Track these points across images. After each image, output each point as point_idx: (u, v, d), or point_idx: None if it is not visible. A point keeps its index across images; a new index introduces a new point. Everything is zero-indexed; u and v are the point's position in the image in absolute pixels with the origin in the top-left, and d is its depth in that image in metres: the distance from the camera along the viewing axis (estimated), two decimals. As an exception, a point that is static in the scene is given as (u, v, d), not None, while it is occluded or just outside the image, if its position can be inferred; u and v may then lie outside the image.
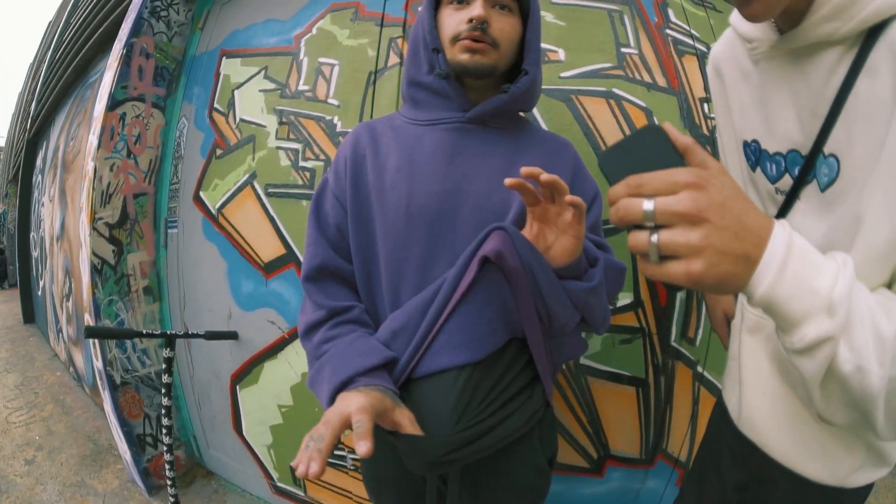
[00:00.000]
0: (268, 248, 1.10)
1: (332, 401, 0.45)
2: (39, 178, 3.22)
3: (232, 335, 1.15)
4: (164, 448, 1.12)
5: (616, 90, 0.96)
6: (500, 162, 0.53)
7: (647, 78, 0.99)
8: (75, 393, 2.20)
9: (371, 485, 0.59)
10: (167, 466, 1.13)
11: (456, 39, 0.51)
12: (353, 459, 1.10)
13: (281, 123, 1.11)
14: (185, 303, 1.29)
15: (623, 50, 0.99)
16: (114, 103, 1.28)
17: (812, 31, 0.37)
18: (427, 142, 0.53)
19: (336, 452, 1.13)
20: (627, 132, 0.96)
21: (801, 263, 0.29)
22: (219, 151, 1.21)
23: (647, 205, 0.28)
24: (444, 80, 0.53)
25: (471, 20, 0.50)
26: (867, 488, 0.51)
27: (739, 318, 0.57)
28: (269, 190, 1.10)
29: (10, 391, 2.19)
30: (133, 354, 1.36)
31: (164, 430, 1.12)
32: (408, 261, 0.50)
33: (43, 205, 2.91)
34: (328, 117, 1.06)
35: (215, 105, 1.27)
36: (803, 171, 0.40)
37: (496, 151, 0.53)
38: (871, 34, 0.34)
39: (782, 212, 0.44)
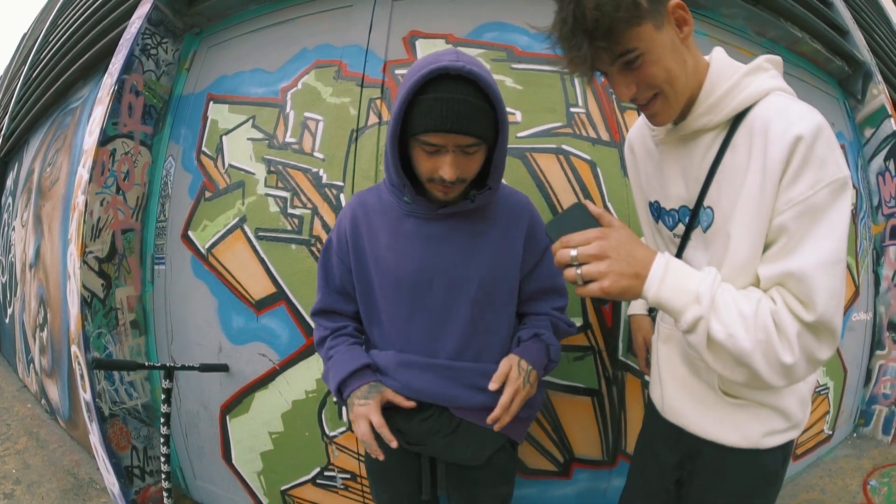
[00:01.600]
0: (258, 287, 1.19)
1: (339, 393, 0.70)
2: (10, 200, 3.12)
3: (223, 367, 1.21)
4: (163, 476, 1.16)
5: (565, 146, 1.13)
6: (464, 243, 0.68)
7: (592, 134, 1.16)
8: (49, 426, 2.14)
9: (374, 472, 0.76)
10: (165, 495, 1.16)
11: (431, 181, 0.60)
12: (342, 479, 1.18)
13: (269, 172, 1.21)
14: (173, 336, 1.34)
15: (572, 109, 1.16)
16: (105, 139, 1.33)
17: (693, 123, 0.55)
18: (408, 227, 0.67)
19: (326, 474, 1.20)
20: (574, 183, 1.12)
21: (676, 275, 0.49)
22: (208, 193, 1.29)
23: (573, 252, 0.48)
24: (410, 204, 0.65)
25: (445, 181, 0.58)
26: (784, 448, 0.63)
27: (656, 333, 0.74)
28: (260, 233, 1.19)
29: None
30: (121, 387, 1.38)
31: (162, 458, 1.16)
32: (398, 313, 0.69)
33: (14, 229, 2.83)
34: (314, 169, 1.17)
35: (203, 148, 1.35)
36: (691, 219, 0.58)
37: (460, 235, 0.67)
38: (736, 121, 0.52)
39: (680, 249, 0.61)
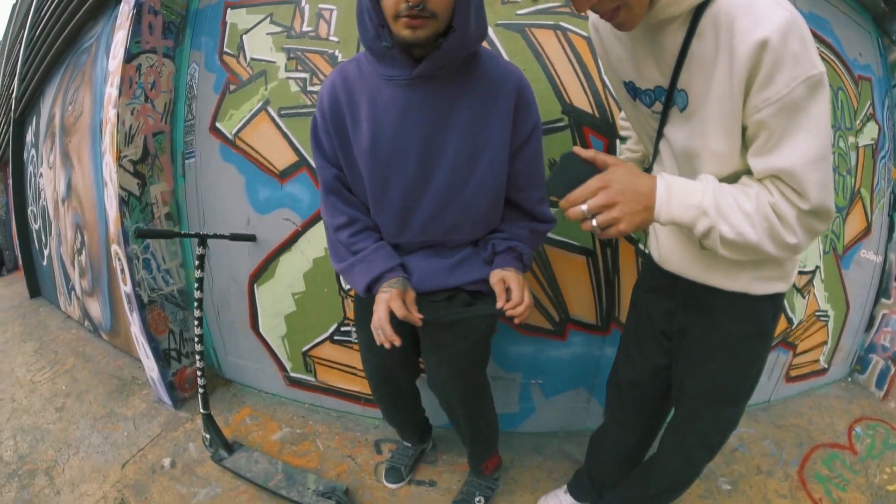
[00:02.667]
0: (282, 159, 1.30)
1: (367, 289, 0.74)
2: (33, 152, 3.27)
3: (251, 237, 1.35)
4: (197, 356, 1.28)
5: (563, 23, 1.18)
6: (441, 111, 0.66)
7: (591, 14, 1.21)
8: (93, 343, 2.34)
9: (358, 314, 0.87)
10: (199, 373, 1.28)
11: (397, 17, 0.58)
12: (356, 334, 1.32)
13: (289, 59, 1.30)
14: (205, 221, 1.48)
15: None
16: (129, 56, 1.42)
17: (659, 14, 0.53)
18: (386, 95, 0.66)
19: (342, 329, 1.36)
20: (572, 58, 1.18)
21: (679, 195, 0.53)
22: (232, 87, 1.40)
23: (584, 207, 0.51)
24: (390, 49, 0.62)
25: (408, 1, 0.56)
26: (773, 301, 0.67)
27: None
28: (282, 112, 1.30)
29: (30, 357, 2.29)
30: (158, 275, 1.54)
31: (196, 339, 1.27)
32: (376, 181, 0.71)
33: (41, 175, 2.99)
34: (330, 51, 1.26)
35: (225, 49, 1.44)
36: (667, 100, 0.59)
37: (438, 103, 0.66)
38: (698, 11, 0.51)
39: (661, 124, 0.62)
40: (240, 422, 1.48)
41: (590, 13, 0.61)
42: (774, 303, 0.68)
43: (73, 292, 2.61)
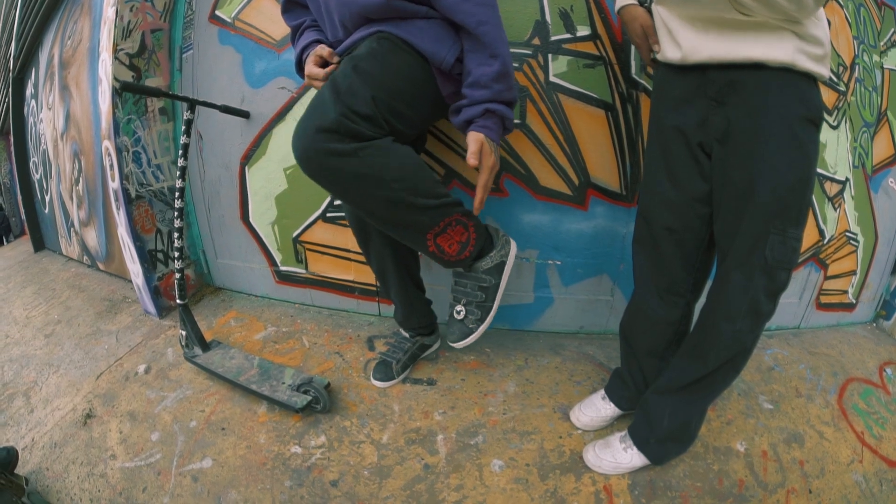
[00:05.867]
0: (281, 28, 1.27)
1: (300, 67, 0.89)
2: (33, 102, 3.25)
3: (244, 113, 1.32)
4: (176, 254, 1.18)
5: None
6: None
7: None
8: (90, 276, 2.33)
9: None
10: (177, 275, 1.17)
11: None
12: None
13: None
14: (200, 110, 1.44)
15: None
16: None
17: None
18: None
19: (335, 203, 1.29)
20: None
21: None
22: (232, -26, 1.36)
23: None
24: None
25: None
26: (816, 85, 0.61)
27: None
28: (281, -15, 1.26)
29: (28, 299, 2.26)
30: (148, 170, 1.51)
31: (176, 234, 1.19)
32: None
33: (41, 121, 2.97)
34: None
35: (224, -58, 1.40)
36: None
37: None
38: None
39: None
40: (223, 324, 1.40)
41: None
42: (818, 92, 0.62)
43: (72, 230, 2.60)
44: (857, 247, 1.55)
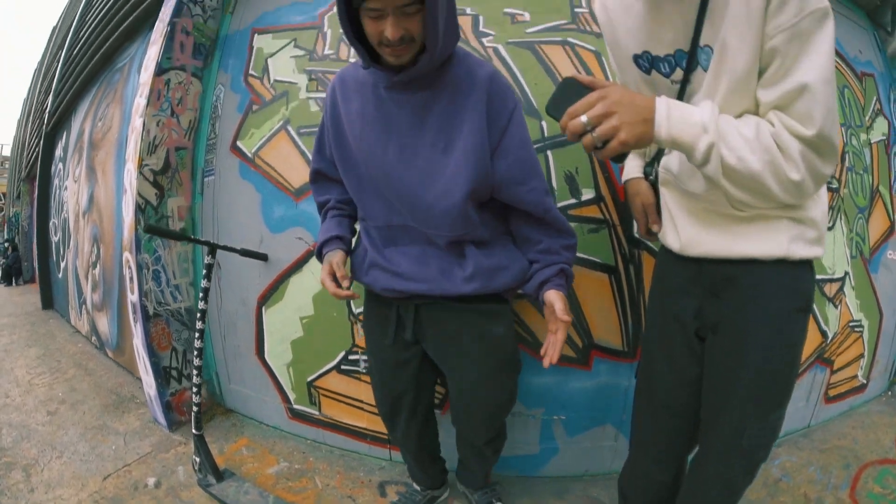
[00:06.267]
0: (299, 176, 1.29)
1: (319, 256, 0.84)
2: (60, 166, 3.40)
3: (263, 256, 1.32)
4: (195, 371, 1.20)
5: (570, 39, 1.18)
6: (417, 107, 0.72)
7: (596, 29, 1.18)
8: (98, 358, 2.32)
9: (364, 325, 0.88)
10: (194, 391, 1.19)
11: (380, 45, 0.64)
12: (364, 361, 1.27)
13: (311, 80, 1.32)
14: (219, 238, 1.46)
15: (576, 10, 1.20)
16: (160, 70, 1.48)
17: None
18: (371, 94, 0.73)
19: (350, 358, 1.29)
20: (581, 69, 1.18)
21: (679, 111, 0.53)
22: (255, 107, 1.42)
23: (583, 118, 0.51)
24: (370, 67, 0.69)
25: (390, 39, 0.61)
26: (811, 269, 0.64)
27: (660, 181, 0.75)
28: (301, 130, 1.31)
29: (32, 360, 2.28)
30: (167, 289, 1.52)
31: (195, 353, 1.20)
32: (364, 166, 0.77)
33: (66, 188, 3.09)
34: (350, 71, 1.28)
35: (251, 72, 1.48)
36: (689, 60, 0.59)
37: (414, 101, 0.71)
38: None
39: (681, 93, 0.61)
40: (235, 451, 1.40)
41: None
42: (813, 272, 0.65)
43: (83, 306, 2.62)
44: (861, 332, 1.56)
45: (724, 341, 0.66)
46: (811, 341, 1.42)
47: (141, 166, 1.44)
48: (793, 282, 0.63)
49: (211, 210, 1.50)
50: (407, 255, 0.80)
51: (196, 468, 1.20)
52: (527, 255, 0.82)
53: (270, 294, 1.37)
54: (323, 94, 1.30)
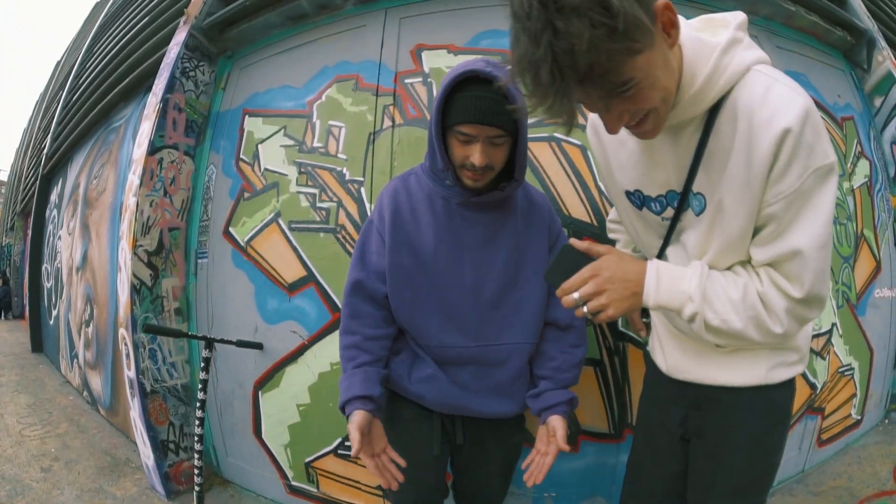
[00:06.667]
0: (291, 272, 1.34)
1: (342, 409, 0.75)
2: (55, 212, 3.41)
3: (258, 345, 1.36)
4: (196, 455, 1.26)
5: (556, 134, 1.23)
6: (492, 226, 0.77)
7: (581, 121, 1.24)
8: (90, 415, 2.30)
9: (391, 437, 0.81)
10: (196, 472, 1.24)
11: (462, 167, 0.69)
12: None
13: (300, 173, 1.38)
14: (213, 322, 1.50)
15: None
16: (153, 149, 1.52)
17: (679, 115, 0.53)
18: (443, 208, 0.75)
19: (346, 444, 1.32)
20: (566, 167, 1.23)
21: (668, 281, 0.55)
22: (246, 194, 1.47)
23: (575, 295, 0.54)
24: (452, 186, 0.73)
25: (475, 166, 0.66)
26: (790, 384, 0.66)
27: None
28: (292, 225, 1.36)
29: (22, 409, 2.25)
30: (163, 367, 1.54)
31: (196, 438, 1.25)
32: (434, 282, 0.76)
33: (59, 238, 3.10)
34: (339, 168, 1.34)
35: (241, 156, 1.54)
36: (680, 204, 0.59)
37: (488, 220, 0.76)
38: (714, 109, 0.52)
39: (670, 230, 0.63)
40: None
41: (591, 116, 0.65)
42: (792, 385, 0.67)
43: (75, 360, 2.62)
44: (852, 374, 1.56)
45: (708, 445, 0.70)
46: (800, 396, 1.40)
47: (135, 247, 1.48)
48: (771, 402, 0.66)
49: (205, 292, 1.54)
50: (460, 372, 0.79)
51: (199, 545, 1.20)
52: (538, 371, 0.83)
53: (267, 381, 1.41)
54: (312, 189, 1.36)
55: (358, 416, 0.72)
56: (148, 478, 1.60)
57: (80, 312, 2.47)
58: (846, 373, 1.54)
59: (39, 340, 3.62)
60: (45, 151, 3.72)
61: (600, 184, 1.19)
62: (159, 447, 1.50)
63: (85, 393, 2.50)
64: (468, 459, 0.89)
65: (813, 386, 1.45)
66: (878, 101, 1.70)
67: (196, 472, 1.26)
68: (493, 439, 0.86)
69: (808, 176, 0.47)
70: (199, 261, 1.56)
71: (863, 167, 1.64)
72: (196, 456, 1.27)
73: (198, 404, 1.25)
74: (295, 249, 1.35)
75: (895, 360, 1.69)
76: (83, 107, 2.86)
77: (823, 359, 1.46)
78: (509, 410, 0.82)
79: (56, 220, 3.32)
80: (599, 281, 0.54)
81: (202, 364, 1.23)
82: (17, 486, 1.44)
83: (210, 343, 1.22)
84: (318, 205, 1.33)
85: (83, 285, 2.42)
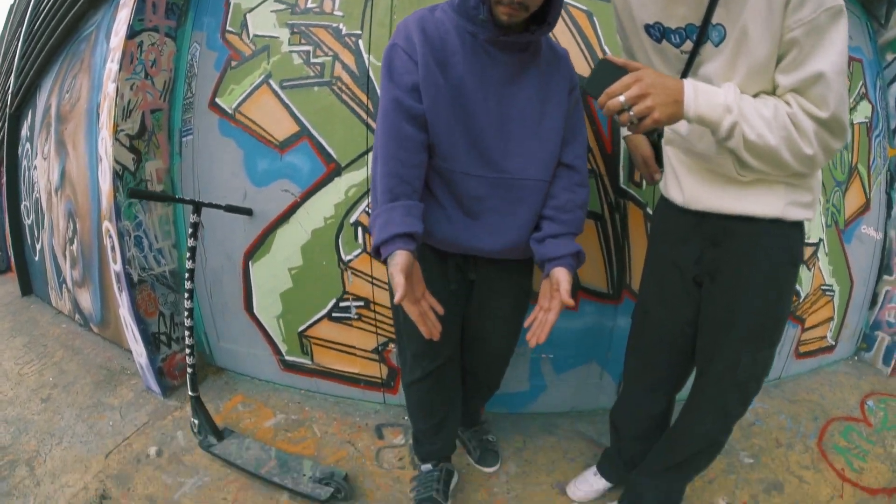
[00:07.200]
0: (282, 130, 1.28)
1: (376, 250, 0.69)
2: (27, 146, 3.23)
3: (247, 211, 1.31)
4: (186, 333, 1.21)
5: None
6: (515, 68, 0.76)
7: None
8: (83, 336, 2.28)
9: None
10: (188, 352, 1.20)
11: (498, 3, 0.68)
12: (356, 307, 1.28)
13: (293, 33, 1.29)
14: (201, 196, 1.43)
15: None
16: (132, 33, 1.42)
17: None
18: (470, 43, 0.74)
19: (340, 305, 1.30)
20: (573, 31, 1.19)
21: (706, 93, 0.58)
22: (234, 63, 1.38)
23: (621, 98, 0.56)
24: (484, 21, 0.71)
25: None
26: (801, 228, 0.70)
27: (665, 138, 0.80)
28: (284, 84, 1.29)
29: (18, 351, 2.21)
30: (150, 254, 1.49)
31: (185, 313, 1.21)
32: (461, 112, 0.75)
33: (35, 167, 2.94)
34: (335, 25, 1.26)
35: (228, 28, 1.43)
36: (700, 35, 0.63)
37: (512, 60, 0.75)
38: None
39: (689, 62, 0.66)
40: (231, 409, 1.42)
41: None
42: (802, 233, 0.71)
43: (63, 285, 2.55)
44: (832, 296, 1.65)
45: (723, 286, 0.73)
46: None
47: (116, 132, 1.39)
48: (786, 239, 0.70)
49: (191, 169, 1.47)
50: (476, 209, 0.78)
51: (195, 430, 1.22)
52: (542, 211, 0.82)
53: (257, 248, 1.37)
54: (306, 47, 1.28)
55: (401, 258, 0.65)
56: (143, 379, 1.59)
57: (63, 233, 2.38)
58: (827, 292, 1.62)
59: (28, 282, 3.51)
60: (10, 91, 3.48)
61: (605, 47, 1.15)
62: (150, 341, 1.48)
63: (77, 316, 2.45)
64: (479, 302, 0.89)
65: (797, 293, 1.51)
66: (889, 57, 1.73)
67: (188, 351, 1.21)
68: (504, 282, 0.87)
69: (822, 13, 0.53)
70: (184, 139, 1.48)
71: (864, 108, 1.67)
72: (187, 334, 1.22)
73: (186, 274, 1.20)
74: (287, 107, 1.28)
75: (871, 300, 1.78)
76: (48, 29, 2.64)
77: (809, 270, 1.52)
78: (518, 241, 0.81)
79: (30, 153, 3.15)
80: (643, 85, 0.56)
81: (189, 230, 1.17)
82: (20, 425, 1.43)
83: (198, 207, 1.17)
84: (312, 61, 1.26)
85: (64, 203, 2.32)
